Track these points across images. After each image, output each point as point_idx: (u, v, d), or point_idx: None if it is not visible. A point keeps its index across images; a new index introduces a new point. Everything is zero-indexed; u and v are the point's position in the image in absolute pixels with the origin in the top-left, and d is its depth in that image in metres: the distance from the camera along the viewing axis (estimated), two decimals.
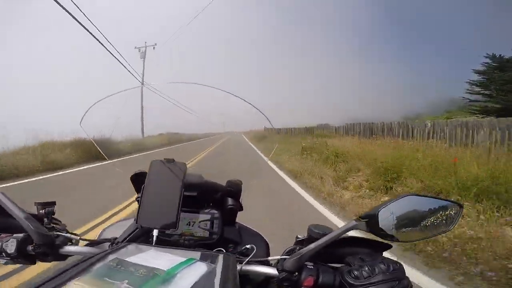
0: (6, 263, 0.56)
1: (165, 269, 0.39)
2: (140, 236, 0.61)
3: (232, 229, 0.76)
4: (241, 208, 0.78)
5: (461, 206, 0.58)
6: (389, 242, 0.54)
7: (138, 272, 0.38)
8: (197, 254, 0.47)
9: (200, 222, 0.71)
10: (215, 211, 0.74)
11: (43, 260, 0.57)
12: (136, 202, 0.77)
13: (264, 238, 0.80)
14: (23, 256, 0.56)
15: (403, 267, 0.51)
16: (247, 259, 0.56)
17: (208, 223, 0.72)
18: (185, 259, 0.44)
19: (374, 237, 0.58)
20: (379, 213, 0.52)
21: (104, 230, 0.80)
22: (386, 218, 0.53)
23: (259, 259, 0.59)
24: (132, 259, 0.42)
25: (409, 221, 0.55)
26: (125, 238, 0.60)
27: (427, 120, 12.06)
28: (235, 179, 0.79)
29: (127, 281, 0.35)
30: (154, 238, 0.56)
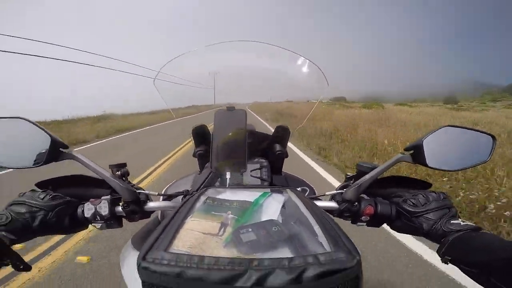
0: (101, 228, 0.58)
1: (252, 200, 0.47)
2: (213, 181, 0.67)
3: (280, 177, 0.81)
4: (287, 155, 0.82)
5: (493, 138, 0.59)
6: (437, 169, 0.58)
7: (233, 205, 0.45)
8: (267, 189, 0.53)
9: (251, 171, 0.76)
10: (263, 160, 0.79)
11: (131, 219, 0.60)
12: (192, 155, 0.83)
13: (310, 184, 0.85)
14: (115, 218, 0.58)
15: (449, 197, 0.55)
16: (305, 195, 0.62)
17: (258, 171, 0.77)
18: (261, 193, 0.50)
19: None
20: (423, 143, 0.56)
21: (166, 188, 0.87)
22: (430, 149, 0.56)
23: (314, 196, 0.66)
24: (221, 197, 0.49)
25: (449, 151, 0.58)
26: (201, 185, 0.66)
27: None
28: (284, 124, 0.81)
29: (230, 212, 0.42)
30: (228, 181, 0.61)
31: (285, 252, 0.33)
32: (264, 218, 0.41)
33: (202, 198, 0.48)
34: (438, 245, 0.49)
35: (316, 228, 0.37)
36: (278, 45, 0.74)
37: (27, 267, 0.44)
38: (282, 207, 0.45)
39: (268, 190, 0.53)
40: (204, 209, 0.43)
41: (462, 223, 0.48)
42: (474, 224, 0.48)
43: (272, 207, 0.45)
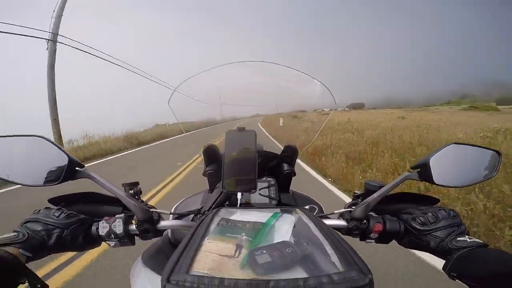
0: (114, 245, 0.59)
1: (264, 221, 0.48)
2: (224, 201, 0.68)
3: (287, 195, 0.82)
4: (295, 174, 0.84)
5: (499, 154, 0.61)
6: (444, 186, 0.59)
7: (246, 226, 0.46)
8: (277, 210, 0.54)
9: (259, 190, 0.77)
10: (271, 178, 0.80)
11: (144, 237, 0.61)
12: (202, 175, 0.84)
13: (317, 201, 0.87)
14: (128, 236, 0.59)
15: (459, 214, 0.56)
16: (314, 214, 0.63)
17: (267, 190, 0.78)
18: (272, 213, 0.51)
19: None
20: (430, 162, 0.57)
21: (176, 206, 0.89)
22: (436, 167, 0.58)
23: (323, 214, 0.66)
24: (233, 217, 0.50)
25: (455, 168, 0.60)
26: (212, 204, 0.67)
27: None
28: (292, 144, 0.83)
29: (244, 233, 0.43)
30: (239, 201, 0.62)
31: (299, 273, 0.34)
32: (277, 239, 0.42)
33: (216, 219, 0.49)
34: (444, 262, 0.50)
35: (328, 248, 0.38)
36: (291, 66, 0.77)
37: (44, 286, 0.44)
38: (293, 227, 0.46)
39: (278, 210, 0.54)
40: (219, 231, 0.44)
41: (468, 240, 0.49)
42: (480, 241, 0.48)
43: (283, 227, 0.46)
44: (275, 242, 0.41)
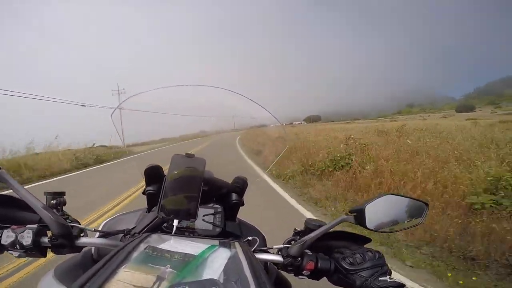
0: (19, 256, 0.53)
1: (196, 254, 0.45)
2: (161, 223, 0.63)
3: (233, 224, 0.81)
4: (243, 204, 0.83)
5: (427, 204, 0.68)
6: (375, 231, 0.64)
7: (174, 257, 0.43)
8: (215, 242, 0.52)
9: (204, 216, 0.75)
10: (218, 206, 0.78)
11: (58, 252, 0.55)
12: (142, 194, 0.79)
13: (261, 232, 0.86)
14: (38, 249, 0.53)
15: (383, 256, 0.61)
16: (253, 248, 0.62)
17: (212, 217, 0.76)
18: (208, 245, 0.49)
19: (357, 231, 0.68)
20: (365, 208, 0.62)
21: (106, 222, 0.81)
22: (370, 213, 0.63)
23: (263, 248, 0.66)
24: (163, 246, 0.47)
25: (387, 215, 0.65)
26: (144, 228, 0.62)
27: None
28: (242, 176, 0.83)
29: (169, 265, 0.40)
30: (174, 228, 0.59)
31: None
32: (206, 275, 0.40)
33: (142, 246, 0.45)
34: None
35: None
36: (237, 92, 0.83)
37: None
38: (227, 262, 0.44)
39: (217, 242, 0.52)
40: (142, 259, 0.41)
41: (389, 280, 0.55)
42: (399, 282, 0.54)
43: (216, 263, 0.44)
44: (203, 278, 0.38)
